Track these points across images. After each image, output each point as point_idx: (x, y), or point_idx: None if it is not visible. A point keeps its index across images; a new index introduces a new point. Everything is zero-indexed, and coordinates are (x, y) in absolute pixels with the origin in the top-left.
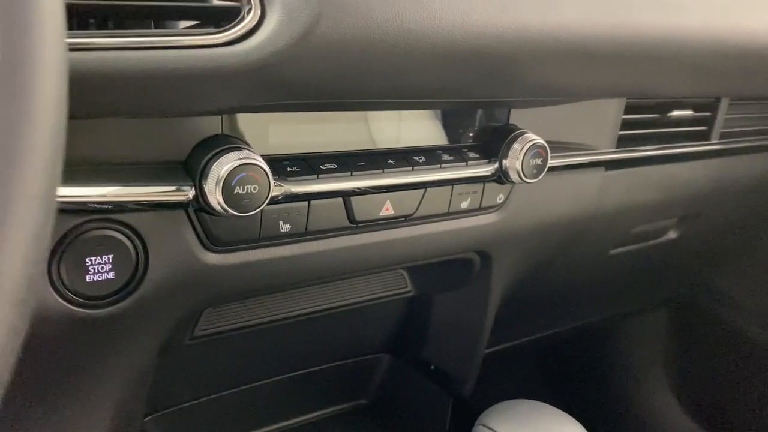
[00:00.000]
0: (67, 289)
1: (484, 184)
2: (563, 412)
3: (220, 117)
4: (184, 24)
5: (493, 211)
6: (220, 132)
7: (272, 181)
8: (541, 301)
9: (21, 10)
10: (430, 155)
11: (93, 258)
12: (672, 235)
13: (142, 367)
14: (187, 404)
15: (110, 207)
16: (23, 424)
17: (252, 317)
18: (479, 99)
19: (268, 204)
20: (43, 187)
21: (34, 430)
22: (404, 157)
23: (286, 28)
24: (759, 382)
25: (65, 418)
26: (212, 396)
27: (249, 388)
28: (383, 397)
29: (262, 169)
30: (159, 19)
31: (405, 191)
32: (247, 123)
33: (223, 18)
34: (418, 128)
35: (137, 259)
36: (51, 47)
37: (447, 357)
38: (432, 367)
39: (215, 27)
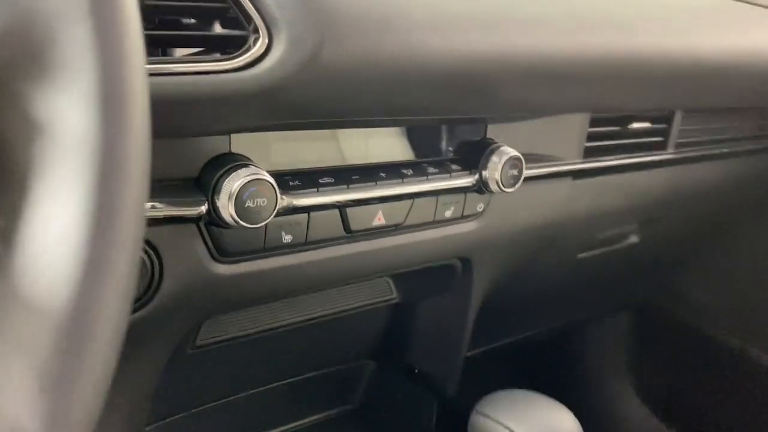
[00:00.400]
0: None
1: (465, 194)
2: (554, 400)
3: (228, 136)
4: (182, 51)
5: (473, 219)
6: (228, 150)
7: (279, 195)
8: (513, 306)
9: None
10: (417, 168)
11: None
12: (633, 239)
13: (150, 377)
14: (176, 416)
15: None
16: None
17: (244, 328)
18: (462, 115)
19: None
20: (143, 197)
21: None
22: (394, 170)
23: (293, 56)
24: (718, 379)
25: None
26: (201, 407)
27: (236, 398)
28: (369, 402)
29: (270, 183)
30: (167, 46)
31: (395, 202)
32: (252, 141)
33: (228, 45)
34: (406, 143)
35: (152, 271)
36: (142, 77)
37: (430, 360)
38: (416, 371)
39: (220, 54)
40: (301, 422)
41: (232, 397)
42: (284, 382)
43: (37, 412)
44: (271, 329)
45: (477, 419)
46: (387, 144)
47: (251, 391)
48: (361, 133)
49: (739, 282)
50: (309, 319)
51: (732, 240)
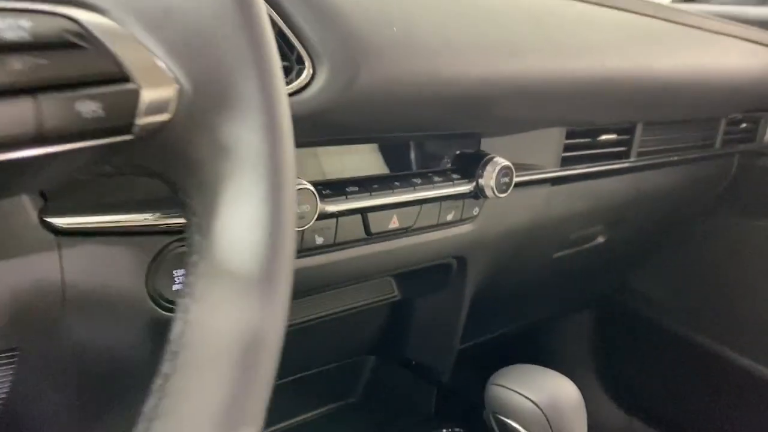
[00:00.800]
0: (159, 296)
1: (464, 200)
2: (556, 372)
3: None
4: None
5: (470, 222)
6: None
7: (319, 202)
8: (496, 304)
9: (276, 88)
10: (425, 177)
11: (179, 270)
12: (600, 239)
13: None
14: None
15: None
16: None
17: None
18: (463, 130)
19: None
20: (295, 197)
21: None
22: (406, 180)
23: (334, 83)
24: (676, 369)
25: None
26: None
27: None
28: (371, 394)
29: (312, 192)
30: None
31: (407, 207)
32: None
33: None
34: (414, 156)
35: None
36: (288, 107)
37: (427, 352)
38: (413, 363)
39: None
40: (304, 416)
41: None
42: (288, 379)
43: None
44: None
45: (493, 389)
46: (400, 156)
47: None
48: (379, 147)
49: (692, 276)
50: (317, 318)
51: (685, 238)
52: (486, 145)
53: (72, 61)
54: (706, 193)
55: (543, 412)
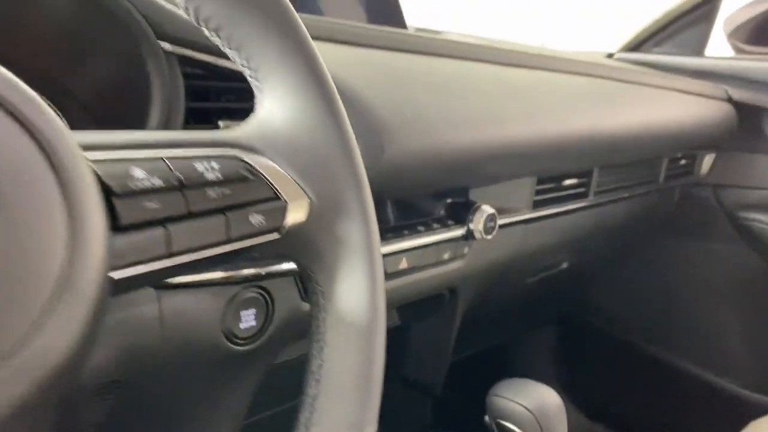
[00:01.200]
0: (230, 332)
1: (457, 242)
2: (544, 385)
3: None
4: None
5: (461, 259)
6: None
7: None
8: (477, 325)
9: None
10: (427, 225)
11: (244, 311)
12: (565, 264)
13: (248, 397)
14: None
15: (261, 276)
16: None
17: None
18: (458, 186)
19: None
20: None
21: None
22: (412, 228)
23: (366, 159)
24: (631, 378)
25: None
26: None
27: (260, 417)
28: None
29: None
30: None
31: (414, 250)
32: None
33: None
34: (417, 207)
35: (267, 311)
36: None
37: (422, 369)
38: (410, 379)
39: None
40: None
41: (256, 417)
42: (294, 402)
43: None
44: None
45: (494, 399)
46: (405, 208)
47: (274, 410)
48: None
49: (643, 293)
50: None
51: (637, 260)
52: (474, 194)
53: (246, 189)
54: (653, 221)
55: (535, 417)
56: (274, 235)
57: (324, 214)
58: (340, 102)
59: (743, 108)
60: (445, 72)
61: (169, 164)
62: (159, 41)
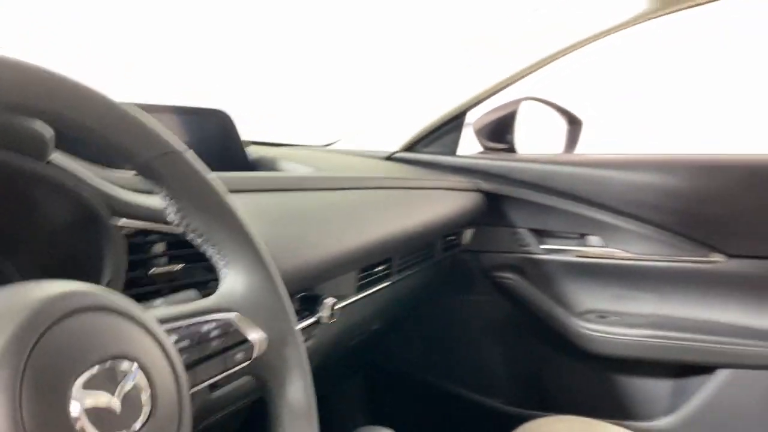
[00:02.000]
0: None
1: (309, 328)
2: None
3: None
4: None
5: (311, 340)
6: None
7: None
8: None
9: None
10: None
11: None
12: (376, 326)
13: None
14: None
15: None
16: None
17: None
18: (312, 286)
19: None
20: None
21: None
22: None
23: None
24: (428, 410)
25: None
26: None
27: None
28: None
29: None
30: None
31: None
32: None
33: None
34: None
35: None
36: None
37: None
38: None
39: None
40: None
41: None
42: None
43: None
44: None
45: None
46: None
47: None
48: None
49: (432, 339)
50: None
51: (426, 314)
52: (318, 289)
53: (230, 338)
54: (435, 284)
55: None
56: (247, 362)
57: (275, 344)
58: (274, 267)
59: (489, 194)
60: (301, 204)
61: (191, 329)
62: (112, 217)
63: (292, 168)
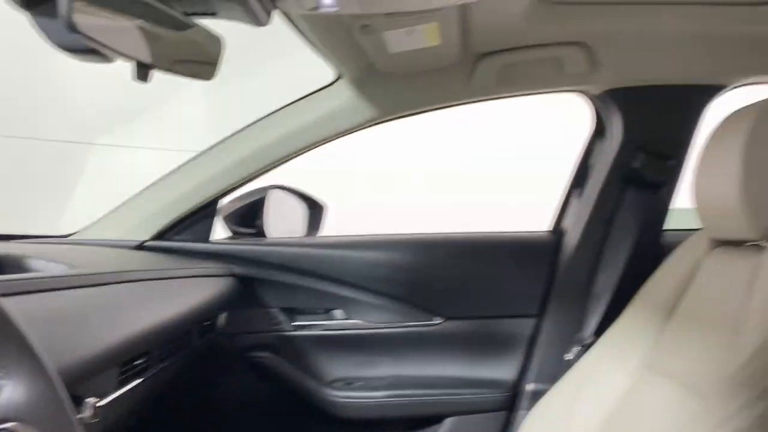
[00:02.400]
0: None
1: None
2: None
3: None
4: None
5: None
6: None
7: None
8: None
9: None
10: None
11: None
12: None
13: None
14: None
15: None
16: None
17: None
18: None
19: None
20: None
21: None
22: None
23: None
24: None
25: None
26: None
27: None
28: None
29: None
30: None
31: None
32: None
33: None
34: None
35: None
36: None
37: None
38: None
39: None
40: None
41: None
42: None
43: None
44: None
45: None
46: None
47: None
48: None
49: (198, 426)
50: None
51: (188, 402)
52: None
53: None
54: (195, 369)
55: None
56: None
57: None
58: (54, 372)
59: (242, 277)
60: (58, 305)
61: None
62: None
63: (42, 266)
